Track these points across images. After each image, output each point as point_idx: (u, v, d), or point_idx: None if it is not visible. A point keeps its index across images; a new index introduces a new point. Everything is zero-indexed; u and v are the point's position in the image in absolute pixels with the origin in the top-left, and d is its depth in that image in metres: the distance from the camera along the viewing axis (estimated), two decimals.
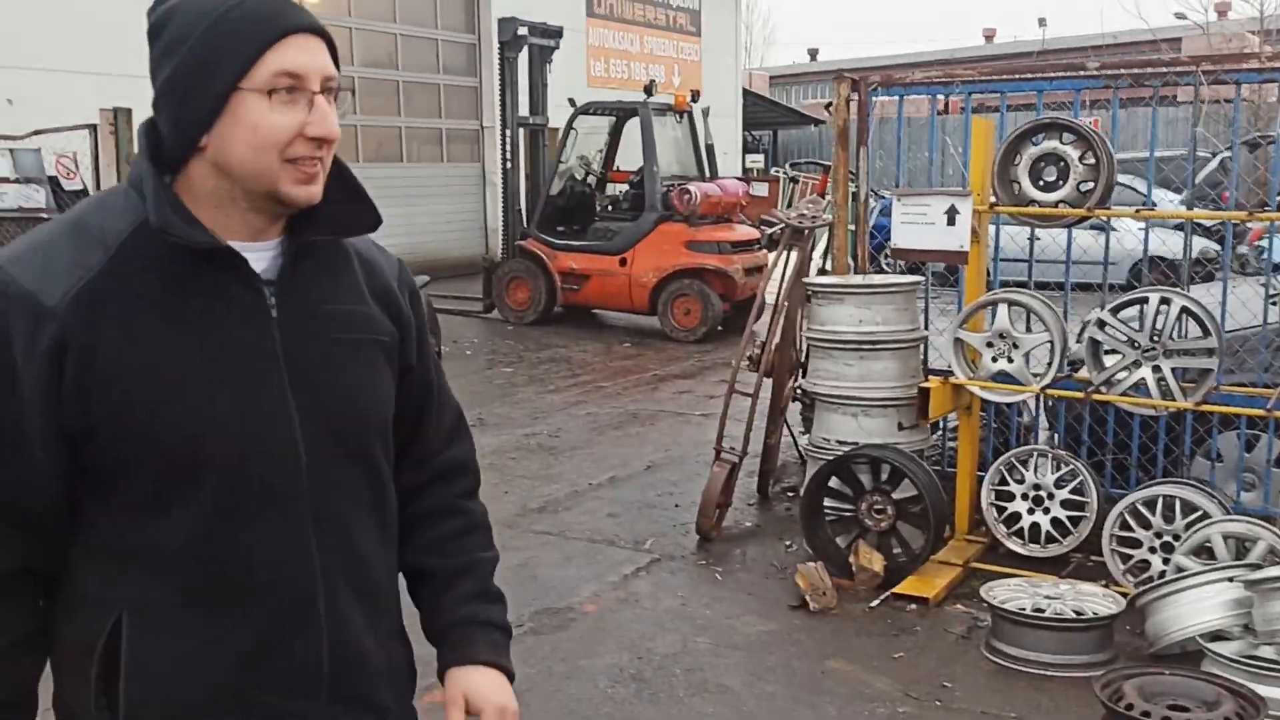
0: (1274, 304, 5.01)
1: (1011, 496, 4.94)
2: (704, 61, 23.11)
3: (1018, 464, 4.95)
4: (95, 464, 1.30)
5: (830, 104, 5.20)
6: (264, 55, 1.29)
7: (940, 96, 5.33)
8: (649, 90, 12.18)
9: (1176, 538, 4.38)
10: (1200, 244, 10.72)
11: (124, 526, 1.32)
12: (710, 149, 12.59)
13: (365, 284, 1.46)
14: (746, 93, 25.81)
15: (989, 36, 50.71)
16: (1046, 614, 3.99)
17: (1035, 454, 4.94)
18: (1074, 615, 3.98)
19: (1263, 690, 3.37)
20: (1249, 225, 7.79)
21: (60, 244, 1.31)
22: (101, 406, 1.27)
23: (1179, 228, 10.58)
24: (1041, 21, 46.51)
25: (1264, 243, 11.88)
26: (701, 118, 12.60)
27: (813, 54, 52.96)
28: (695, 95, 12.70)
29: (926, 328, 5.37)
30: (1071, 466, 4.85)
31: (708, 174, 12.33)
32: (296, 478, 1.36)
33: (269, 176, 1.31)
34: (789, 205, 11.08)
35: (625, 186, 12.49)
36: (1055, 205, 4.54)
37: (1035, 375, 4.65)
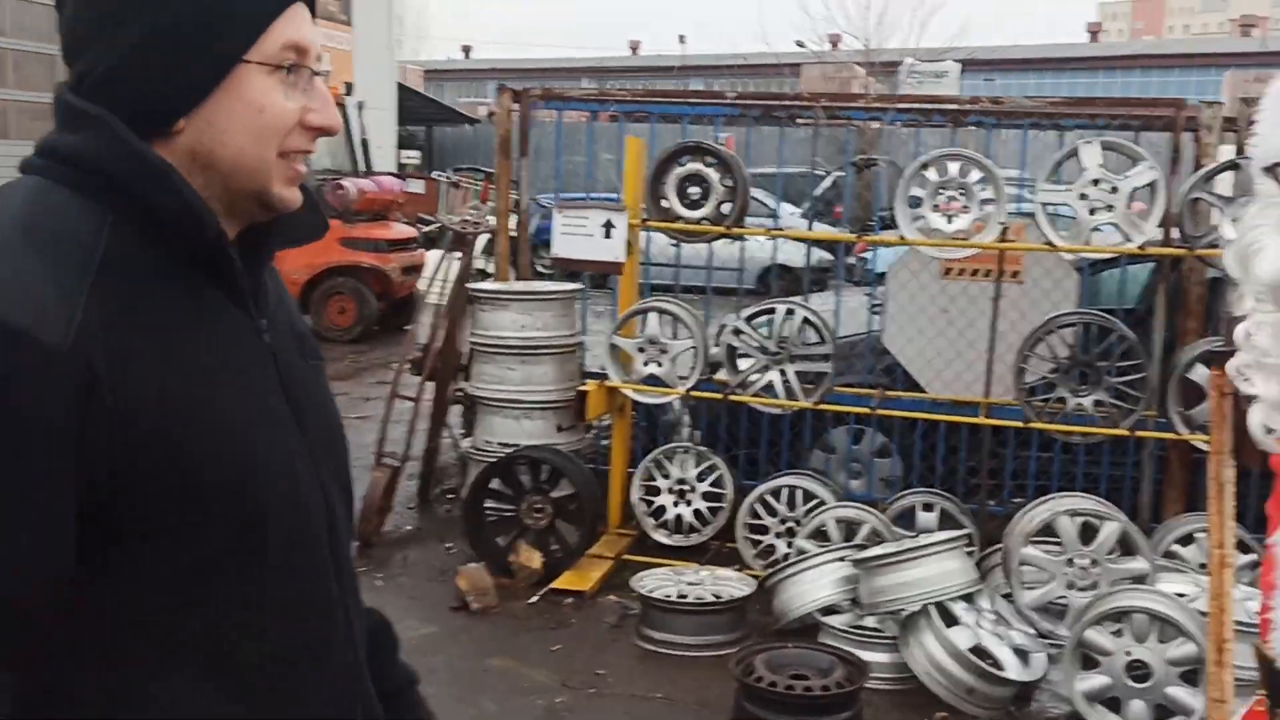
0: (876, 313, 5.71)
1: (659, 491, 5.31)
2: (356, 52, 22.56)
3: (664, 460, 5.33)
4: (116, 539, 1.01)
5: (493, 113, 5.34)
6: (274, 21, 1.06)
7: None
8: None
9: (798, 523, 4.91)
10: (816, 254, 11.88)
11: (144, 622, 1.03)
12: (365, 144, 12.39)
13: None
14: (401, 87, 25.46)
15: (634, 48, 52.98)
16: (689, 599, 4.35)
17: (679, 450, 5.34)
18: (713, 599, 4.37)
19: (867, 655, 3.89)
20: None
21: (22, 260, 0.98)
22: (145, 454, 0.99)
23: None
24: (681, 38, 49.32)
25: (867, 254, 13.43)
26: (356, 111, 12.37)
27: (466, 51, 53.03)
28: (349, 88, 12.47)
29: (583, 333, 5.64)
30: (711, 461, 5.29)
31: (363, 170, 12.13)
32: (323, 523, 1.16)
33: (263, 173, 1.09)
34: (449, 210, 11.15)
35: None
36: (699, 222, 4.94)
37: (681, 378, 5.03)
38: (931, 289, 5.20)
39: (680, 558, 5.06)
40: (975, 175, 4.58)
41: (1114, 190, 4.40)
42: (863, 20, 26.82)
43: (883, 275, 6.23)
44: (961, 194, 4.60)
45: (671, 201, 4.97)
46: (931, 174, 4.63)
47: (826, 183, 14.54)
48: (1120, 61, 38.28)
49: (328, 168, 11.78)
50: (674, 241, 5.52)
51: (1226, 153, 4.71)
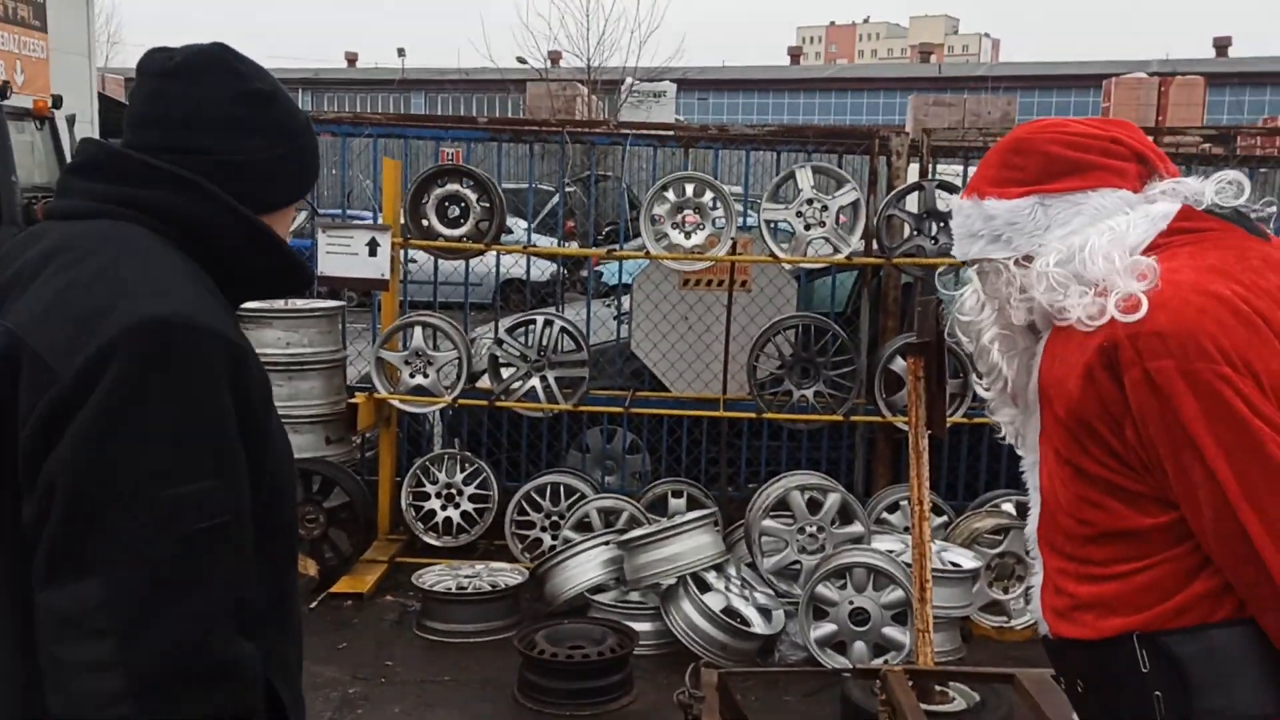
0: (621, 322, 6.21)
1: (427, 496, 5.57)
2: (53, 60, 21.07)
3: (431, 467, 5.59)
4: None
5: None
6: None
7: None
8: (3, 93, 11.11)
9: (562, 516, 5.31)
10: (552, 267, 12.39)
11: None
12: None
13: None
14: (102, 97, 23.94)
15: (351, 60, 51.83)
16: (468, 590, 4.66)
17: (446, 457, 5.63)
18: (490, 588, 4.70)
19: (635, 625, 4.35)
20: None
21: (201, 292, 1.31)
22: (263, 460, 1.34)
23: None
24: (401, 51, 48.85)
25: (601, 268, 14.10)
26: (67, 126, 11.76)
27: None
28: (58, 101, 11.81)
29: (345, 348, 5.81)
30: (476, 465, 5.60)
31: None
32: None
33: None
34: None
35: None
36: (460, 240, 5.26)
37: (447, 388, 5.32)
38: (673, 298, 5.75)
39: (451, 558, 5.34)
40: (709, 195, 5.16)
41: (824, 208, 5.09)
42: (584, 39, 27.69)
43: (615, 286, 6.78)
44: (697, 212, 5.17)
45: (432, 220, 5.26)
46: (671, 194, 5.17)
47: (555, 199, 15.13)
48: (819, 84, 41.33)
49: (37, 185, 11.13)
50: (435, 262, 5.82)
51: (914, 174, 5.52)
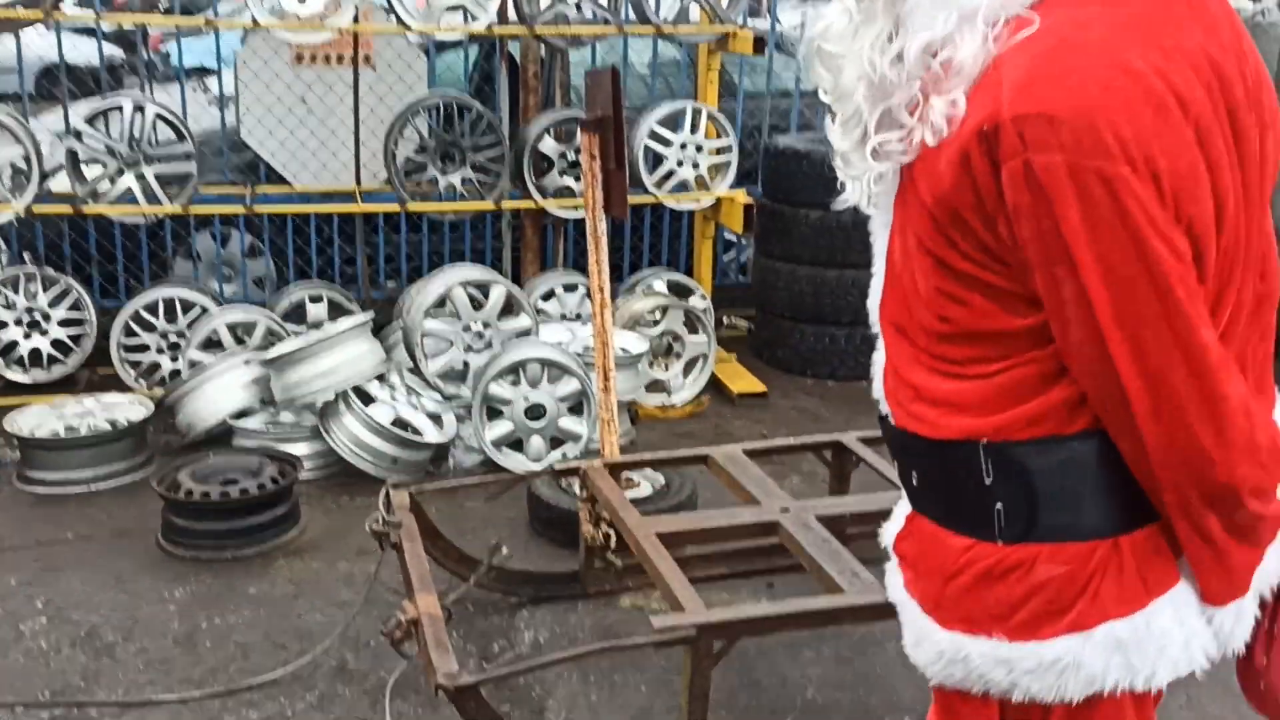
0: (221, 108, 5.38)
1: (3, 324, 4.66)
2: None
3: (3, 289, 4.65)
4: None
5: None
6: None
7: None
8: None
9: (182, 335, 4.64)
10: (108, 50, 10.67)
11: None
12: None
13: None
14: None
15: None
16: (82, 432, 3.96)
17: (22, 276, 4.69)
18: (109, 426, 4.02)
19: (292, 449, 3.92)
20: (150, 30, 7.96)
21: None
22: None
23: (89, 32, 10.36)
24: None
25: (165, 47, 12.31)
26: None
27: None
28: None
29: None
30: (63, 284, 4.72)
31: None
32: None
33: None
34: None
35: None
36: (12, 6, 4.20)
37: (12, 192, 4.37)
38: (286, 77, 5.03)
39: (47, 394, 4.54)
40: None
41: None
42: None
43: (190, 71, 5.90)
44: None
45: None
46: None
47: None
48: None
49: None
50: None
51: None
